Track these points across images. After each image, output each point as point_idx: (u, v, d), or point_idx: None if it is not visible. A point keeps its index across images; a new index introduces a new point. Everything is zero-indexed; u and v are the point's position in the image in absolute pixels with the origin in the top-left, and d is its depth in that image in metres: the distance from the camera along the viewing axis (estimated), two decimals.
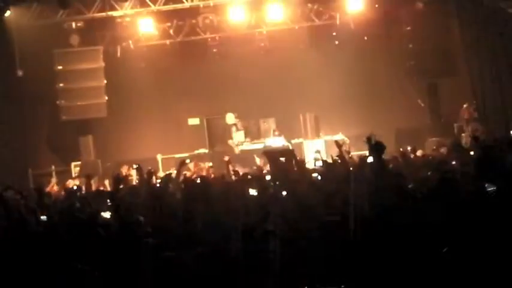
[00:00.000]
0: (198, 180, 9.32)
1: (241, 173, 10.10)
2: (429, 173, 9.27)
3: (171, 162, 17.92)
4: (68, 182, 15.86)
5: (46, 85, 19.38)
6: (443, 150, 14.62)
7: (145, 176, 9.37)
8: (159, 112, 20.54)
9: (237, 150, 18.76)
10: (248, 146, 19.00)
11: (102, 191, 10.18)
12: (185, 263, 4.99)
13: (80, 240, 5.89)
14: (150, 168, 10.31)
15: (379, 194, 6.00)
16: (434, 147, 16.08)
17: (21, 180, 16.96)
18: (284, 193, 6.96)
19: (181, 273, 4.67)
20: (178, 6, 19.30)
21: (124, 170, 15.16)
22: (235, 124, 19.22)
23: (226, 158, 13.31)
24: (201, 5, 19.44)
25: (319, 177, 8.69)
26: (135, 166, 10.93)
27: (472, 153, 10.00)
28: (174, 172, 11.51)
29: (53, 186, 15.88)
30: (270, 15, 19.53)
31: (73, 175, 18.59)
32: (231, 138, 19.09)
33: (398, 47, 19.95)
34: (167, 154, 18.86)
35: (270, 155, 10.39)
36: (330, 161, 10.58)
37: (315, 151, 12.58)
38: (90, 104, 19.68)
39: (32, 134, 19.36)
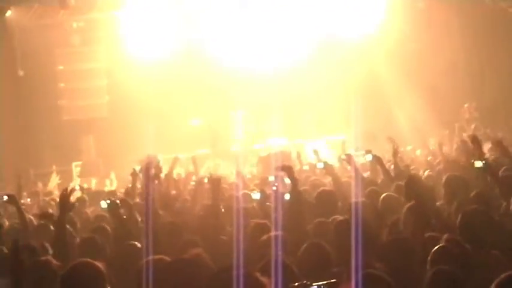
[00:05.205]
0: None
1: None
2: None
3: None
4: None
5: (47, 85, 19.41)
6: (444, 150, 14.63)
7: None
8: (160, 112, 20.49)
9: None
10: (250, 146, 19.01)
11: None
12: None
13: None
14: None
15: None
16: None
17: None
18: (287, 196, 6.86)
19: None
20: None
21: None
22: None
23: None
24: None
25: None
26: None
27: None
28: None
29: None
30: None
31: (74, 175, 18.59)
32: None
33: (398, 47, 19.94)
34: (168, 154, 18.80)
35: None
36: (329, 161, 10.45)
37: (313, 151, 12.37)
38: (91, 104, 19.72)
39: (33, 133, 19.36)
